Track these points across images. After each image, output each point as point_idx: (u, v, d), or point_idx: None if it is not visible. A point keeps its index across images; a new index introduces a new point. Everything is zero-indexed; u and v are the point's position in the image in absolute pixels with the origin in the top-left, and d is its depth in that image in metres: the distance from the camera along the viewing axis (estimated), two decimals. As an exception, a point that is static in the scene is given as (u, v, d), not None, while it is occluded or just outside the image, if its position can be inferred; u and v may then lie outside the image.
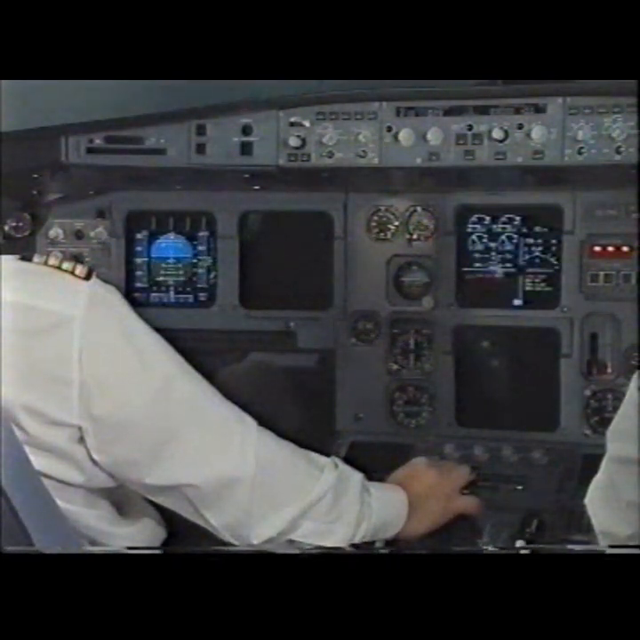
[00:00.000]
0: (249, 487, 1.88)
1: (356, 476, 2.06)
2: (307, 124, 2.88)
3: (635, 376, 1.98)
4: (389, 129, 2.83)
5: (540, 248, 3.15)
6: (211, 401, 1.90)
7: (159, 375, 1.82)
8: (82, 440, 1.76)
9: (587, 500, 2.00)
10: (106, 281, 1.83)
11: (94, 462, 1.80)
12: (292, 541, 1.94)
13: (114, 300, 1.81)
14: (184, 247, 3.39)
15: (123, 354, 1.77)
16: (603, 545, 2.02)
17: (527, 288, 3.16)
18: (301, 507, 1.93)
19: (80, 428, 1.75)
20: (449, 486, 2.31)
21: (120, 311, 1.81)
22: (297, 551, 1.94)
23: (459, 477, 2.36)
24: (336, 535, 1.97)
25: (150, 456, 1.81)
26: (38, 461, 1.71)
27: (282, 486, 1.92)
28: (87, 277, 1.78)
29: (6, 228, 3.27)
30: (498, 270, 3.19)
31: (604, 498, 1.94)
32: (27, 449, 1.67)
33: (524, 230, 3.16)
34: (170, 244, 3.40)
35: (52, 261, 1.78)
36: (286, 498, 1.92)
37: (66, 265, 1.78)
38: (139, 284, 3.41)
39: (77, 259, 3.34)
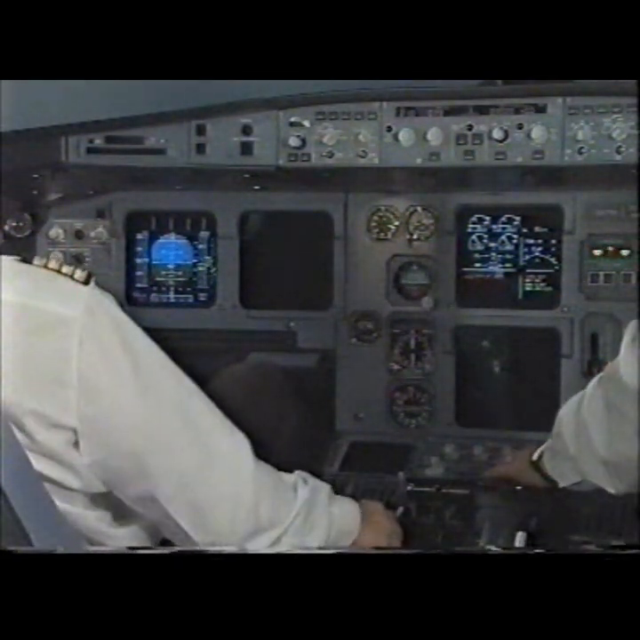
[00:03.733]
0: (244, 506, 1.88)
1: (325, 488, 2.08)
2: (307, 124, 2.88)
3: (629, 326, 2.05)
4: (389, 129, 2.83)
5: (540, 248, 3.15)
6: (204, 417, 1.88)
7: (153, 384, 1.81)
8: (77, 444, 1.76)
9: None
10: (105, 284, 1.83)
11: (88, 467, 1.79)
12: None
13: (111, 306, 1.81)
14: (184, 247, 3.40)
15: (118, 360, 1.76)
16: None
17: (527, 288, 3.17)
18: (284, 526, 1.94)
19: (76, 432, 1.74)
20: (389, 515, 2.33)
21: (117, 317, 1.80)
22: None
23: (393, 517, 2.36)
24: (310, 546, 1.98)
25: (138, 466, 1.80)
26: (38, 465, 1.70)
27: (270, 508, 1.92)
28: (86, 282, 1.78)
29: (6, 227, 3.27)
30: (498, 270, 3.19)
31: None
32: (26, 453, 1.67)
33: (524, 230, 3.17)
34: (170, 245, 3.40)
35: (51, 264, 1.78)
36: (272, 519, 1.93)
37: (65, 269, 1.78)
38: (139, 285, 3.41)
39: (78, 259, 3.35)
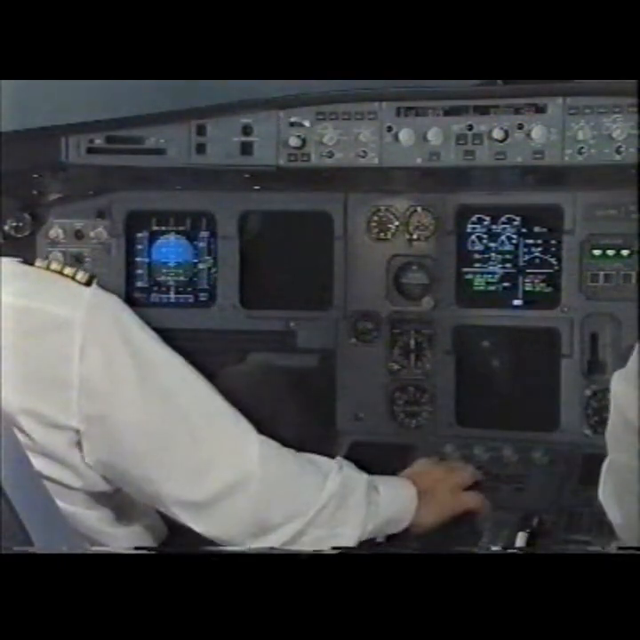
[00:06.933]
0: (250, 501, 1.85)
1: (362, 478, 2.02)
2: (307, 123, 2.88)
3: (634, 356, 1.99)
4: (389, 129, 2.83)
5: (539, 248, 3.15)
6: (211, 413, 1.87)
7: (156, 386, 1.80)
8: (80, 444, 1.76)
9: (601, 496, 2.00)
10: (105, 284, 1.83)
11: (91, 467, 1.79)
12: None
13: (115, 306, 1.80)
14: (184, 247, 3.39)
15: (121, 362, 1.76)
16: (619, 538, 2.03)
17: (527, 288, 3.17)
18: (305, 521, 1.90)
19: (78, 432, 1.74)
20: (454, 482, 2.29)
21: (121, 318, 1.80)
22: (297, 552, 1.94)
23: (464, 475, 2.35)
24: (341, 538, 1.93)
25: (144, 465, 1.80)
26: (38, 465, 1.70)
27: (285, 500, 1.89)
28: (88, 283, 1.78)
29: (6, 227, 3.27)
30: (498, 270, 3.19)
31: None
32: (27, 452, 1.67)
33: (524, 230, 3.17)
34: (170, 244, 3.40)
35: (53, 266, 1.78)
36: (289, 512, 1.89)
37: (67, 270, 1.78)
38: (139, 285, 3.41)
39: (78, 259, 3.35)
